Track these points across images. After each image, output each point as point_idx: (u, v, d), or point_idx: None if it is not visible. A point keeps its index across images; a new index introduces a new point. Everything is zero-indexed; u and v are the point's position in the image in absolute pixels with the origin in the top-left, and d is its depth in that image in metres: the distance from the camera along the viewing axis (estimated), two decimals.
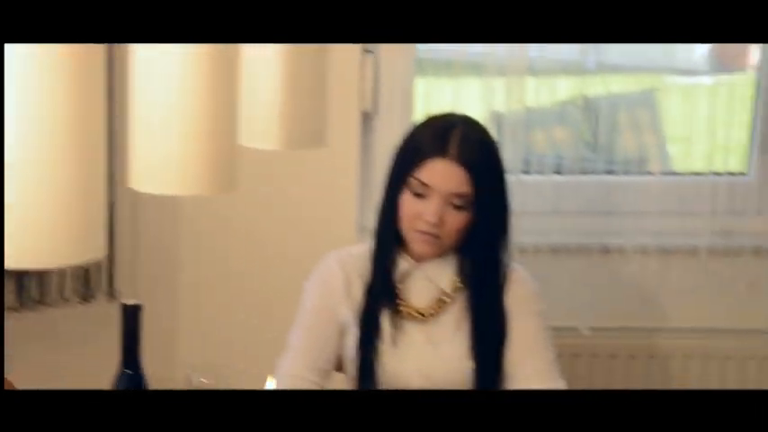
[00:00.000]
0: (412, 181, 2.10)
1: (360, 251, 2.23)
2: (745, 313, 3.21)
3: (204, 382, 1.86)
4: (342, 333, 2.21)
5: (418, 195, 2.10)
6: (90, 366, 3.01)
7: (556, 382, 2.16)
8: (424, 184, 2.09)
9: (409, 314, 2.18)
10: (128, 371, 1.78)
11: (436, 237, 2.11)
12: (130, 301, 1.79)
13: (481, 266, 2.16)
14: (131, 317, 1.78)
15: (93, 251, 1.05)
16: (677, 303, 3.20)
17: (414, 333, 2.18)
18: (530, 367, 2.15)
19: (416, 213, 2.10)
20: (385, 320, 2.18)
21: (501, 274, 2.18)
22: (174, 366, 3.09)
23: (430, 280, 2.19)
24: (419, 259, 2.18)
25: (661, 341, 3.13)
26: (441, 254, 2.16)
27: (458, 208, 2.09)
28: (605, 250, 3.14)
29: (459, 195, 2.08)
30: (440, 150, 2.08)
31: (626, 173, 3.13)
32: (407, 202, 2.12)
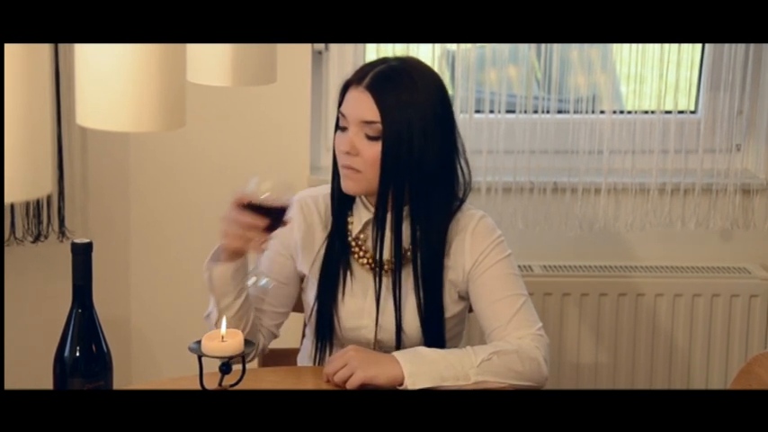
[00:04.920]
0: (338, 115, 2.11)
1: (326, 193, 2.19)
2: (695, 251, 3.26)
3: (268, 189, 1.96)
4: (300, 279, 2.20)
5: (342, 129, 2.10)
6: (43, 306, 3.01)
7: (530, 327, 2.10)
8: (343, 116, 2.09)
9: (369, 266, 2.16)
10: (79, 310, 1.77)
11: (355, 170, 2.07)
12: (81, 240, 1.78)
13: (427, 219, 2.11)
14: (82, 255, 1.77)
15: (41, 188, 1.05)
16: (628, 241, 3.24)
17: (372, 285, 2.15)
18: (504, 316, 2.10)
19: (339, 148, 2.09)
20: (344, 271, 2.15)
21: (443, 232, 2.12)
22: (126, 304, 3.09)
23: (391, 231, 2.14)
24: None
25: (613, 279, 3.17)
26: (369, 191, 2.10)
27: (371, 138, 2.06)
28: (557, 189, 3.16)
29: (368, 123, 2.05)
30: (356, 80, 2.08)
31: (578, 112, 3.14)
32: (336, 139, 2.11)
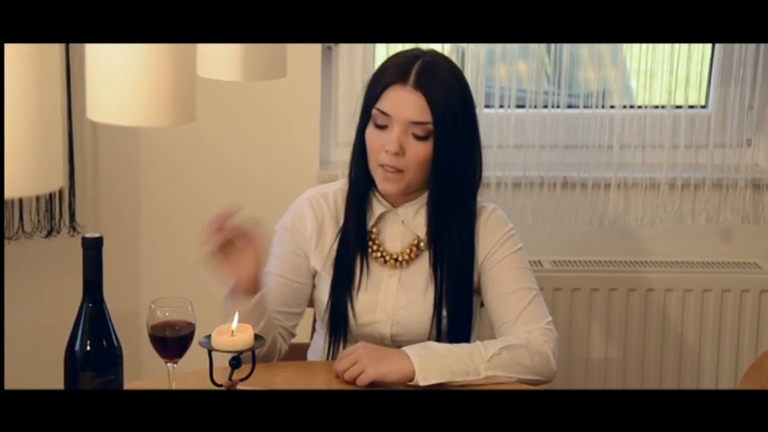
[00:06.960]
0: (375, 112, 2.08)
1: (335, 190, 2.19)
2: (705, 246, 3.25)
3: (167, 315, 1.87)
4: (313, 276, 2.20)
5: (380, 127, 2.07)
6: (54, 300, 3.01)
7: (539, 321, 2.11)
8: (384, 114, 2.06)
9: (383, 260, 2.16)
10: (90, 304, 1.78)
11: (399, 171, 2.06)
12: (91, 234, 1.78)
13: (451, 214, 2.12)
14: (93, 249, 1.77)
15: (52, 182, 1.05)
16: (638, 236, 3.23)
17: (387, 279, 2.16)
18: (514, 310, 2.12)
19: (380, 145, 2.06)
20: (358, 266, 2.15)
21: (472, 220, 2.15)
22: (137, 298, 3.10)
23: (405, 225, 2.15)
24: (395, 203, 2.16)
25: (623, 274, 3.16)
26: (407, 190, 2.11)
27: (419, 138, 2.05)
28: (567, 184, 3.16)
29: (418, 123, 2.05)
30: (400, 78, 2.06)
31: (588, 106, 3.14)
32: (371, 135, 2.09)
